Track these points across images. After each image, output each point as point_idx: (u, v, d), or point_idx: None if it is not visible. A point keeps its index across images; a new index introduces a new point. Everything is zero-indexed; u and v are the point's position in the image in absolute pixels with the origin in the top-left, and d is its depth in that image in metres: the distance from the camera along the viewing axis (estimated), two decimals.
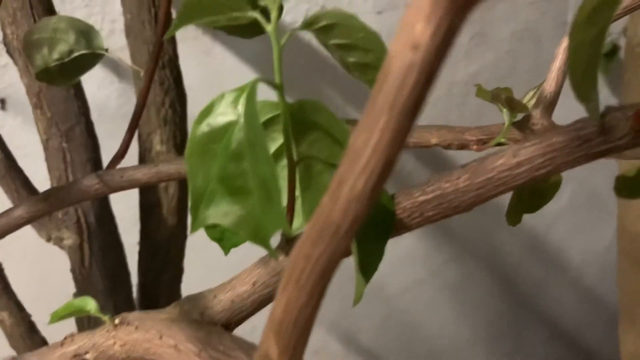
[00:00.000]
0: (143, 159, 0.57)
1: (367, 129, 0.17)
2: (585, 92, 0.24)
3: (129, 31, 0.57)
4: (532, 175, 0.27)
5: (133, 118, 0.45)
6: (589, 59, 0.23)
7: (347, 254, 0.26)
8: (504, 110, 0.42)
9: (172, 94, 0.56)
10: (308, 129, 0.30)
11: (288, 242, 0.29)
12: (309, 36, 0.93)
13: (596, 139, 0.26)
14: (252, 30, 0.41)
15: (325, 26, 0.26)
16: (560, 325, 1.45)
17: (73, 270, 0.51)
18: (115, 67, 0.85)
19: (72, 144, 0.50)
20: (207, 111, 0.25)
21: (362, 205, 0.18)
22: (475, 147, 0.45)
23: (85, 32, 0.45)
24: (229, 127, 0.25)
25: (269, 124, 0.30)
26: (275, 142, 0.31)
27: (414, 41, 0.16)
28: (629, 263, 0.79)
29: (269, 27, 0.26)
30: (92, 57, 0.45)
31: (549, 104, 0.45)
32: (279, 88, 0.26)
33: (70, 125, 0.51)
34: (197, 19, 0.27)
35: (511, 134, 0.45)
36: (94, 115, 0.85)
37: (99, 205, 0.51)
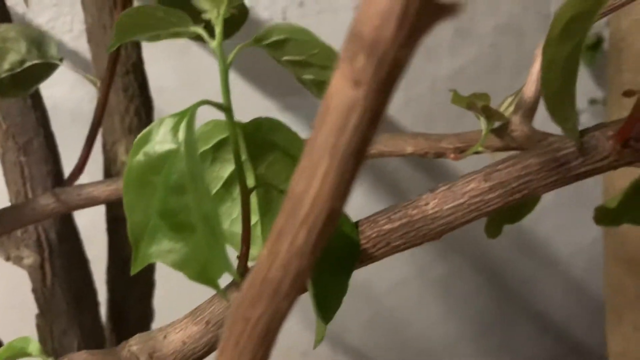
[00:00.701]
0: (108, 169, 0.54)
1: (307, 174, 0.15)
2: (561, 113, 0.22)
3: (90, 36, 0.54)
4: (506, 200, 0.24)
5: (90, 132, 0.43)
6: (565, 77, 0.21)
7: (302, 291, 0.24)
8: (481, 118, 0.40)
9: (137, 101, 0.53)
10: (266, 150, 0.28)
11: (243, 277, 0.27)
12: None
13: (575, 161, 0.24)
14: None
15: (277, 42, 0.24)
16: (548, 319, 1.44)
17: (35, 291, 0.48)
18: (88, 69, 0.82)
19: (30, 158, 0.48)
20: (145, 139, 0.22)
21: (304, 261, 0.16)
22: (452, 155, 0.43)
23: (38, 41, 0.42)
24: (168, 156, 0.22)
25: (222, 145, 0.28)
26: (231, 164, 0.28)
27: (355, 76, 0.14)
28: (615, 263, 0.78)
29: (213, 44, 0.23)
30: (46, 67, 0.42)
31: (529, 110, 0.42)
32: (226, 110, 0.23)
33: (28, 137, 0.48)
34: (136, 35, 0.24)
35: (490, 141, 0.43)
36: (67, 119, 0.82)
37: (61, 221, 0.49)
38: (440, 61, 1.10)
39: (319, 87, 0.25)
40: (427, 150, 0.43)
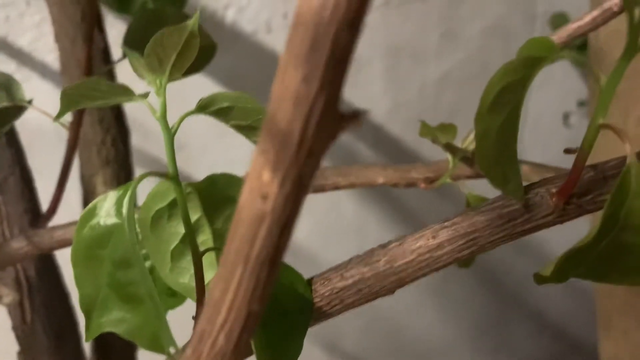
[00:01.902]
0: (87, 201, 0.54)
1: (224, 280, 0.15)
2: (499, 178, 0.22)
3: (64, 68, 0.54)
4: (455, 257, 0.25)
5: (61, 174, 0.43)
6: (500, 145, 0.21)
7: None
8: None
9: (113, 132, 0.54)
10: (222, 205, 0.28)
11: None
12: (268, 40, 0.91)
13: (520, 218, 0.24)
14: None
15: (221, 109, 0.24)
16: (545, 318, 1.45)
17: (15, 328, 0.49)
18: None
19: (6, 196, 0.48)
20: (90, 213, 0.23)
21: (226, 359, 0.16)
22: (423, 185, 0.43)
23: (5, 84, 0.42)
24: (113, 231, 0.22)
25: (177, 203, 0.28)
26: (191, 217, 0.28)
27: (262, 190, 0.14)
28: None
29: (157, 114, 0.23)
30: (14, 110, 0.43)
31: None
32: (172, 179, 0.24)
33: (3, 176, 0.48)
34: (81, 104, 0.24)
35: (461, 170, 0.43)
36: (53, 139, 0.82)
37: (39, 257, 0.49)
38: (428, 65, 1.10)
39: None
40: (398, 181, 0.43)
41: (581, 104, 1.09)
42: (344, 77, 0.14)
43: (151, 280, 0.21)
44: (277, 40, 0.94)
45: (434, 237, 0.25)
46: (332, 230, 1.08)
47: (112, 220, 0.22)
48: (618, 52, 0.71)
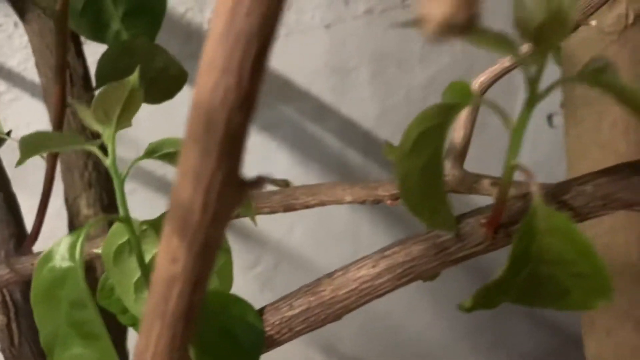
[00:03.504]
0: (72, 223, 0.56)
1: (146, 334, 0.17)
2: (426, 214, 0.23)
3: (46, 95, 0.56)
4: (395, 284, 0.26)
5: (41, 202, 0.45)
6: (424, 185, 0.22)
7: None
8: None
9: (93, 156, 0.55)
10: None
11: None
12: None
13: (454, 246, 0.26)
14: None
15: (168, 153, 0.25)
16: (541, 313, 1.46)
17: (3, 350, 0.50)
18: None
19: None
20: (48, 256, 0.24)
21: None
22: (389, 201, 0.45)
23: None
24: (68, 274, 0.24)
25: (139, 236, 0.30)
26: (147, 254, 0.30)
27: (172, 254, 0.16)
28: None
29: (108, 162, 0.25)
30: None
31: (459, 155, 0.44)
32: (125, 221, 0.25)
33: None
34: (40, 151, 0.26)
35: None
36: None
37: (25, 281, 0.51)
38: (413, 71, 1.11)
39: None
40: (365, 198, 0.45)
41: (564, 105, 1.10)
42: (241, 152, 0.15)
43: (101, 320, 0.23)
44: None
45: (374, 267, 0.26)
46: (325, 236, 1.10)
47: (66, 263, 0.24)
48: (588, 57, 0.72)
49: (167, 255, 0.16)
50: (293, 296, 0.27)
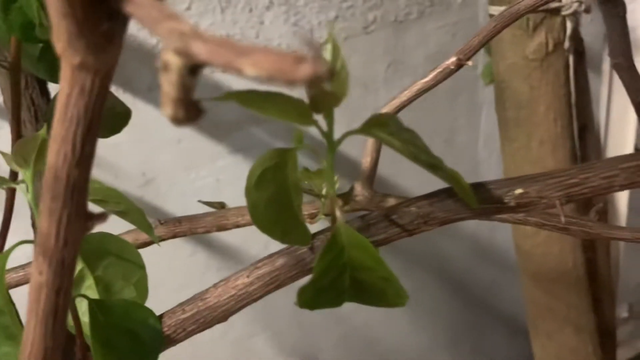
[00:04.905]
0: None
1: (27, 326, 0.23)
2: (278, 234, 0.29)
3: (13, 134, 0.63)
4: (265, 291, 0.32)
5: (2, 229, 0.51)
6: (275, 211, 0.28)
7: None
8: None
9: None
10: (100, 257, 0.36)
11: None
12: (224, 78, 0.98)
13: (308, 258, 0.32)
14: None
15: (95, 200, 0.32)
16: (517, 320, 1.50)
17: None
18: None
19: None
20: None
21: None
22: (308, 220, 0.51)
23: None
24: None
25: None
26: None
27: (39, 268, 0.22)
28: (527, 278, 0.85)
29: (29, 196, 0.31)
30: None
31: (368, 177, 0.50)
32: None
33: None
34: None
35: (337, 204, 0.51)
36: None
37: None
38: (378, 93, 1.18)
39: (121, 215, 0.33)
40: None
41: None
42: (83, 195, 0.22)
43: (18, 324, 0.29)
44: (232, 77, 1.01)
45: (248, 277, 0.32)
46: None
47: None
48: (516, 82, 0.79)
49: (36, 269, 0.22)
50: (186, 302, 0.34)
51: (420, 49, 1.17)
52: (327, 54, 0.24)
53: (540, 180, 0.29)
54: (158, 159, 0.94)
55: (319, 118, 0.27)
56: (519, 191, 0.29)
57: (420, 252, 1.32)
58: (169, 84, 0.17)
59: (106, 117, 0.52)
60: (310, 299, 0.27)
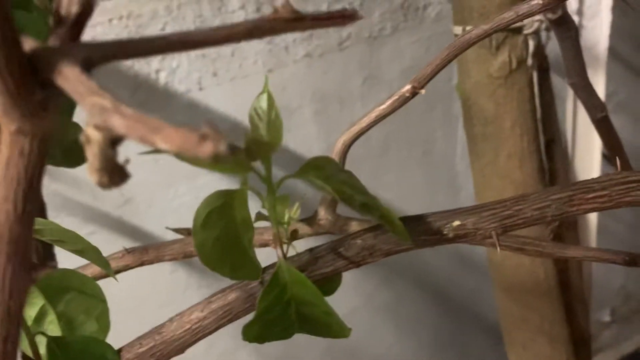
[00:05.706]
0: None
1: None
2: (226, 271, 0.30)
3: None
4: (219, 324, 0.34)
5: None
6: (223, 249, 0.30)
7: None
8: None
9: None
10: (61, 293, 0.37)
11: None
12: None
13: (259, 292, 0.33)
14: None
15: (54, 240, 0.33)
16: (499, 328, 1.51)
17: None
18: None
19: None
20: None
21: None
22: (273, 245, 0.52)
23: None
24: None
25: None
26: (35, 307, 0.37)
27: None
28: (499, 289, 0.86)
29: None
30: None
31: (331, 202, 0.52)
32: None
33: None
34: None
35: (303, 229, 0.52)
36: None
37: None
38: (353, 108, 1.19)
39: (79, 254, 0.35)
40: (254, 241, 0.52)
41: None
42: (26, 249, 0.23)
43: None
44: (209, 96, 1.02)
45: (202, 311, 0.34)
46: None
47: None
48: (482, 99, 0.80)
49: None
50: (143, 337, 0.35)
51: (394, 63, 1.19)
52: (263, 103, 0.26)
53: (476, 213, 0.31)
54: (136, 178, 0.95)
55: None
56: (456, 223, 0.31)
57: (402, 262, 1.34)
58: (92, 155, 0.19)
59: (73, 149, 0.53)
60: (257, 334, 0.29)
